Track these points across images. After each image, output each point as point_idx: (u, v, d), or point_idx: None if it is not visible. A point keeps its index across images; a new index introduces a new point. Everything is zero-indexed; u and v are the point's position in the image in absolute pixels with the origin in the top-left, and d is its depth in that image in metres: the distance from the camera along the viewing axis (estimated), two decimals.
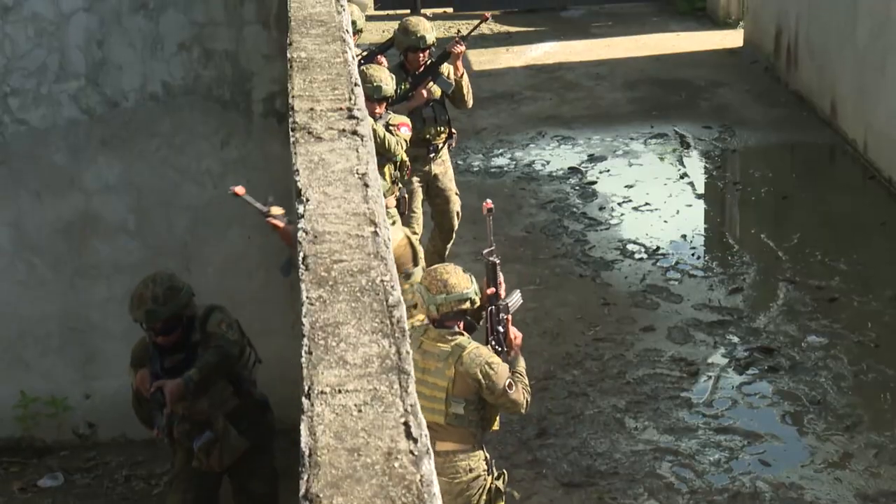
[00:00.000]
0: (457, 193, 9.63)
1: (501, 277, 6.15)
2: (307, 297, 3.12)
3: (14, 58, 7.56)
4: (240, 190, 6.37)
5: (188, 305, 6.31)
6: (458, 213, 9.67)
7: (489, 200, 6.38)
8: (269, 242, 7.89)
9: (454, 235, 9.82)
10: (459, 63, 9.31)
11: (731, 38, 16.29)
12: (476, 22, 9.76)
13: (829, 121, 12.75)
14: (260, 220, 7.77)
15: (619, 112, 13.96)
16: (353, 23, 8.89)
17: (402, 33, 9.17)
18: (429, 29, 9.15)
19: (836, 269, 9.96)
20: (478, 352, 5.85)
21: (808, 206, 11.32)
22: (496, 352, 5.98)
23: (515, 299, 6.20)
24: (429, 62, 9.26)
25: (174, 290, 6.25)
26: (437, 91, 9.29)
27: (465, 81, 9.41)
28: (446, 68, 9.30)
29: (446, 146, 9.50)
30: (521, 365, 6.07)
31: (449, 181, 9.55)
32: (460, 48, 9.20)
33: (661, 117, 13.65)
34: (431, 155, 9.34)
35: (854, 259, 10.10)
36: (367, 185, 3.76)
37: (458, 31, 9.44)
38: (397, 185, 8.47)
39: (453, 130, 9.56)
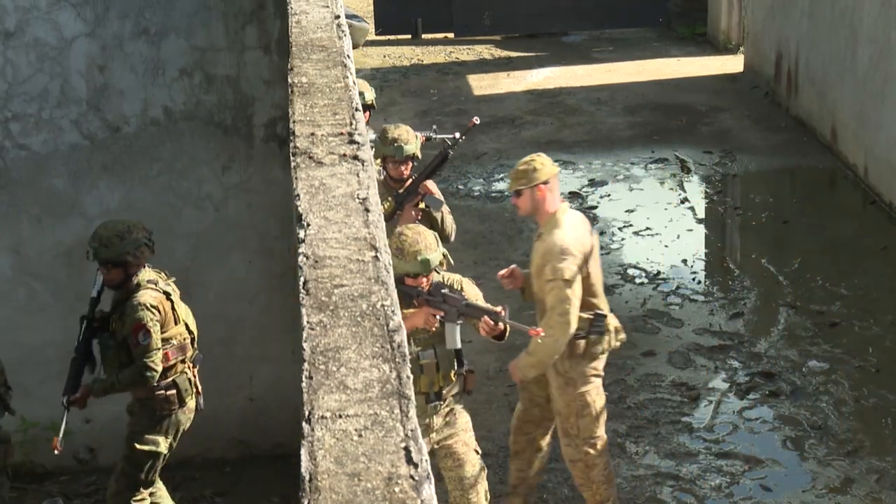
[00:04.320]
0: (477, 451, 6.58)
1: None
2: (307, 322, 3.12)
3: (15, 83, 7.58)
4: None
5: None
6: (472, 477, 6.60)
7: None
8: (269, 268, 7.90)
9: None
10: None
11: (732, 64, 16.35)
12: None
13: (830, 146, 12.78)
14: (262, 245, 7.80)
15: (619, 137, 13.99)
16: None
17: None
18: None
19: (836, 293, 9.96)
20: None
21: (809, 230, 11.32)
22: None
23: None
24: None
25: None
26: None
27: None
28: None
29: (455, 395, 6.54)
30: None
31: (458, 443, 6.52)
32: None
33: (661, 142, 13.68)
34: (434, 404, 6.42)
35: (855, 284, 10.09)
36: (367, 210, 3.75)
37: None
38: None
39: (467, 368, 6.50)
